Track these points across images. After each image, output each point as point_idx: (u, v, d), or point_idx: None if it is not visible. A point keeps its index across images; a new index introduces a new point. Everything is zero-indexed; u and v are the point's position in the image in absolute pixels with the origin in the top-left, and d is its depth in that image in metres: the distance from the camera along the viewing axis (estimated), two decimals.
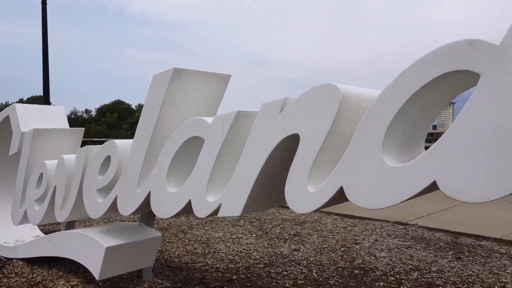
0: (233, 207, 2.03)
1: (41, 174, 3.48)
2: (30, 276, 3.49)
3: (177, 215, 2.39)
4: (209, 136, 2.16)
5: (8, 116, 4.09)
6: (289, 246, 4.63)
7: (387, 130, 1.54)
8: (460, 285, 3.51)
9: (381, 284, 3.53)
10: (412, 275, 3.72)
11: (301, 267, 3.91)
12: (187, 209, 2.29)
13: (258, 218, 6.16)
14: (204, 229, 5.38)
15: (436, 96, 1.54)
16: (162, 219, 5.91)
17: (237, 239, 4.86)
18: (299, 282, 3.56)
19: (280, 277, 3.66)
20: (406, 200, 1.52)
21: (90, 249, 2.95)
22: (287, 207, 6.90)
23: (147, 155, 2.53)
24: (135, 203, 2.61)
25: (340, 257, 4.22)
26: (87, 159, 3.03)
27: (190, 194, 2.25)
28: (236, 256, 4.20)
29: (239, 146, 2.06)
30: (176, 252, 4.33)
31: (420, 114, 1.58)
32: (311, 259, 4.16)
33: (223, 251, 4.38)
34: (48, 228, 5.30)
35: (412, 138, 1.62)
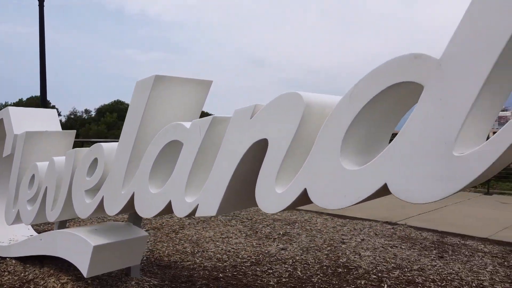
0: (209, 207, 2.15)
1: (33, 176, 3.60)
2: (22, 274, 3.60)
3: (159, 215, 2.51)
4: (187, 140, 2.28)
5: (1, 119, 4.21)
6: (277, 245, 4.74)
7: (345, 135, 1.65)
8: (439, 283, 3.63)
9: (363, 282, 3.64)
10: (394, 273, 3.84)
11: (286, 266, 4.03)
12: (168, 209, 2.41)
13: (250, 218, 6.28)
14: (195, 229, 5.50)
15: (392, 104, 1.65)
16: (155, 219, 6.03)
17: (226, 239, 4.98)
18: (283, 280, 3.67)
19: (265, 275, 3.78)
20: (363, 201, 1.63)
21: (78, 248, 3.06)
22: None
23: (131, 158, 2.64)
24: (120, 204, 2.72)
25: (326, 256, 4.34)
26: (76, 161, 3.14)
27: (170, 195, 2.37)
28: (224, 255, 4.32)
29: (215, 150, 2.17)
30: (166, 251, 4.44)
31: (379, 120, 1.69)
32: (297, 257, 4.27)
33: (212, 250, 4.50)
34: (43, 228, 5.41)
35: (372, 142, 1.74)
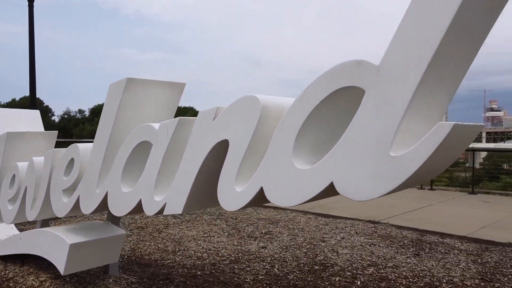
0: (176, 205, 2.23)
1: (14, 175, 3.66)
2: (2, 272, 3.66)
3: (131, 213, 2.59)
4: (156, 141, 2.36)
5: None
6: (257, 244, 4.83)
7: (297, 136, 1.74)
8: (411, 279, 3.73)
9: (337, 278, 3.73)
10: (368, 270, 3.94)
11: (264, 264, 4.12)
12: (139, 208, 2.49)
13: (234, 218, 6.36)
14: (179, 228, 5.57)
15: (342, 106, 1.74)
16: (140, 218, 6.10)
17: (209, 238, 5.06)
18: (260, 277, 3.76)
19: (242, 272, 3.86)
20: (312, 200, 1.72)
21: (56, 246, 3.13)
22: (264, 207, 7.11)
23: (105, 158, 2.72)
24: (95, 202, 2.80)
25: (304, 254, 4.43)
26: (54, 161, 3.21)
27: (140, 194, 2.45)
28: (205, 254, 4.40)
29: (182, 150, 2.25)
30: (148, 250, 4.52)
31: (331, 121, 1.78)
32: (276, 256, 4.36)
33: (193, 248, 4.58)
34: (28, 227, 5.46)
35: (325, 142, 1.82)
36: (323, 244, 4.85)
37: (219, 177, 2.07)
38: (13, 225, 4.77)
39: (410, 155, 1.41)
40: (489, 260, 4.35)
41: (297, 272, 3.90)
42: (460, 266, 4.11)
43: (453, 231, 5.66)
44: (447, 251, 4.66)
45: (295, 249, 4.61)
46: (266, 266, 4.03)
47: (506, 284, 3.69)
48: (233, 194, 1.95)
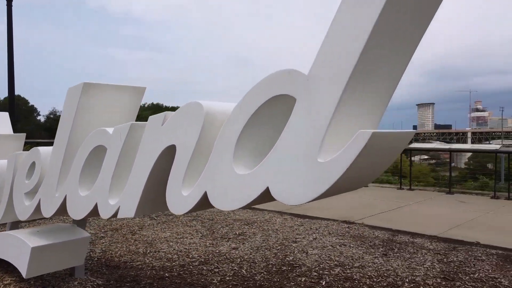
0: (128, 209, 2.27)
1: None
2: None
3: (88, 216, 2.61)
4: (110, 145, 2.39)
5: None
6: (229, 245, 4.87)
7: (237, 142, 1.79)
8: (375, 279, 3.81)
9: (303, 279, 3.80)
10: (335, 271, 4.00)
11: (233, 265, 4.16)
12: (95, 211, 2.51)
13: (211, 219, 6.39)
14: (154, 230, 5.59)
15: (280, 113, 1.79)
16: (115, 220, 6.09)
17: (181, 239, 5.09)
18: (227, 278, 3.80)
19: (210, 274, 3.90)
20: (250, 204, 1.77)
21: (18, 249, 3.14)
22: (242, 208, 7.16)
23: (64, 162, 2.73)
24: (55, 206, 2.81)
25: (274, 255, 4.48)
26: (17, 164, 3.21)
27: (96, 197, 2.47)
28: (175, 255, 4.43)
29: (135, 154, 2.28)
30: (119, 252, 4.53)
31: (271, 127, 1.83)
32: (246, 257, 4.41)
33: (164, 250, 4.60)
34: (2, 229, 5.43)
35: (265, 147, 1.87)
36: (294, 245, 4.91)
37: None
38: None
39: (333, 161, 1.46)
40: (455, 259, 4.45)
41: (265, 273, 3.95)
42: (425, 266, 4.21)
43: (425, 230, 5.76)
44: (415, 251, 4.76)
45: (266, 250, 4.66)
46: (235, 267, 4.08)
47: (467, 283, 3.79)
48: (180, 197, 1.99)
